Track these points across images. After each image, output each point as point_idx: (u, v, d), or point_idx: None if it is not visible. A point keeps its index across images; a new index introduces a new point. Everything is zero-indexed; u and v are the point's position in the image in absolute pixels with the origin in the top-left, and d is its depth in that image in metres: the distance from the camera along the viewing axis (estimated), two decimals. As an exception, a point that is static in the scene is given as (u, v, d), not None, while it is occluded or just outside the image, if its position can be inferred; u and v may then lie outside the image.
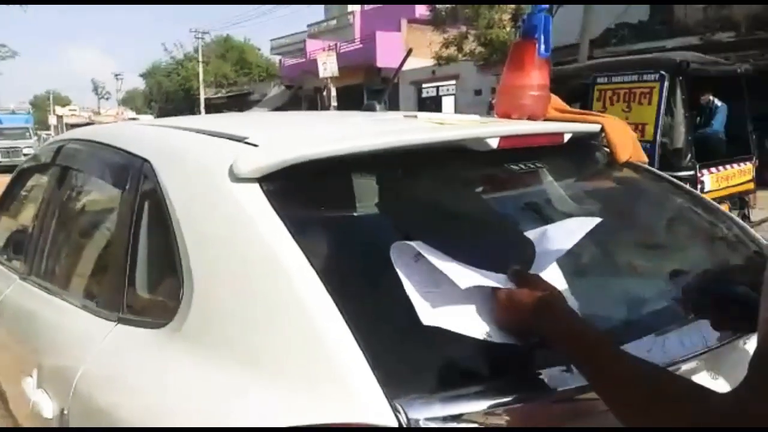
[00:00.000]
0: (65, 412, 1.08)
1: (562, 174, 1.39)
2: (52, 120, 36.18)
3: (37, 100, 58.96)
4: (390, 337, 0.82)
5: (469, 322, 0.82)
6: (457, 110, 19.29)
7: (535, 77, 1.42)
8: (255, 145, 1.00)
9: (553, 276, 0.93)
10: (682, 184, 1.51)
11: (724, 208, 3.32)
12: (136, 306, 1.11)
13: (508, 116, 1.44)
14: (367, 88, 19.55)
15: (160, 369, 0.95)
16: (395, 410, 0.70)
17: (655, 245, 1.36)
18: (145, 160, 1.17)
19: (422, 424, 0.70)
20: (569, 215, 1.29)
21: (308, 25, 28.92)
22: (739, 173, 5.00)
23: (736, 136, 5.29)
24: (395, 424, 0.69)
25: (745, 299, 0.88)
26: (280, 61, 29.11)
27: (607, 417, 0.71)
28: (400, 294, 0.81)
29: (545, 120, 1.43)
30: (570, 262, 0.94)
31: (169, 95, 40.69)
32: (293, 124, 1.49)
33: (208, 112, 30.59)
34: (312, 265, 0.82)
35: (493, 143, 1.12)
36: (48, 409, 1.12)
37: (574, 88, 4.74)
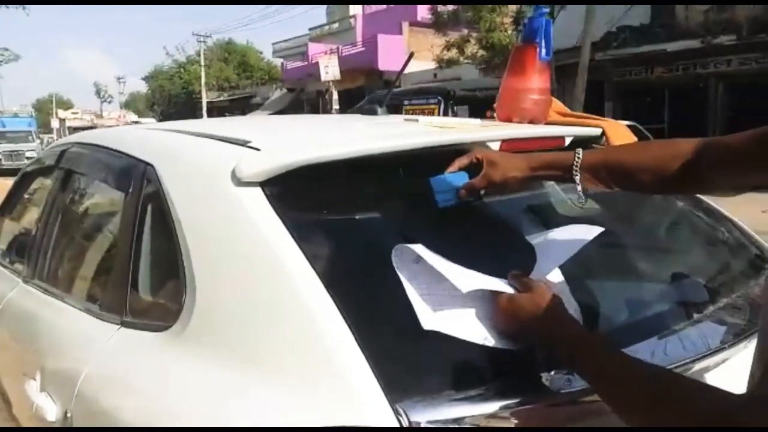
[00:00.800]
0: (68, 415, 1.08)
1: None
2: (55, 123, 36.29)
3: (40, 104, 59.15)
4: (392, 339, 0.83)
5: (470, 327, 0.82)
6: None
7: (536, 81, 1.42)
8: (257, 149, 1.00)
9: (555, 280, 0.94)
10: None
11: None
12: (139, 309, 1.11)
13: (509, 120, 1.45)
14: (368, 90, 19.56)
15: (163, 372, 0.95)
16: (397, 413, 0.70)
17: (656, 248, 1.36)
18: (148, 164, 1.17)
19: (424, 427, 0.70)
20: (571, 218, 1.29)
21: (310, 29, 29.02)
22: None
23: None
24: (397, 427, 0.69)
25: None
26: (282, 64, 29.20)
27: (609, 419, 0.72)
28: (401, 297, 0.82)
29: (546, 123, 1.44)
30: (571, 265, 0.94)
31: (172, 98, 40.82)
32: (295, 128, 1.50)
33: (210, 115, 30.66)
34: (314, 268, 0.82)
35: (495, 147, 1.12)
36: (51, 412, 1.13)
37: (396, 107, 6.48)
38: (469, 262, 0.88)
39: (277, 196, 0.92)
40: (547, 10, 1.44)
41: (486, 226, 1.13)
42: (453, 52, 15.74)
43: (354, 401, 0.72)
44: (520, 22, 12.88)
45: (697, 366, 0.90)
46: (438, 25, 15.73)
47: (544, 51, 1.41)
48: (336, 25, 27.42)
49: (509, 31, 14.13)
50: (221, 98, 34.32)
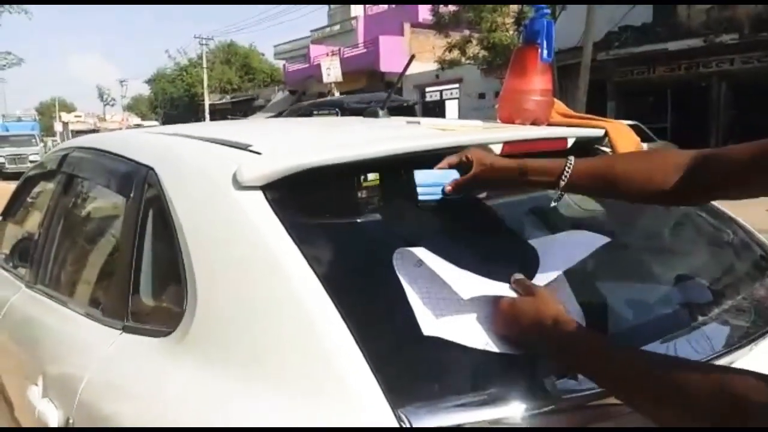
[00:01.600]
0: (70, 420, 1.08)
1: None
2: (58, 127, 36.45)
3: (43, 107, 59.36)
4: (393, 344, 0.82)
5: (471, 332, 0.81)
6: (460, 114, 19.30)
7: (538, 82, 1.42)
8: (258, 153, 1.00)
9: (558, 284, 0.93)
10: None
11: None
12: (140, 314, 1.11)
13: (511, 121, 1.44)
14: (368, 91, 19.56)
15: (165, 377, 0.95)
16: (399, 419, 0.69)
17: (660, 250, 1.35)
18: (150, 168, 1.17)
19: None
20: (574, 220, 1.28)
21: (312, 31, 29.07)
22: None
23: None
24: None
25: None
26: (284, 66, 29.25)
27: (613, 424, 0.71)
28: (403, 301, 0.81)
29: (549, 125, 1.43)
30: (574, 268, 0.94)
31: (174, 101, 40.93)
32: (297, 131, 1.49)
33: (212, 117, 30.74)
34: (315, 272, 0.82)
35: (497, 149, 1.12)
36: (53, 417, 1.12)
37: (308, 116, 7.34)
38: (470, 265, 0.87)
39: (278, 200, 0.91)
40: (548, 10, 1.44)
41: (488, 229, 1.12)
42: (455, 53, 15.74)
43: (356, 407, 0.71)
44: (522, 22, 12.87)
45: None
46: (439, 26, 15.73)
47: (545, 52, 1.41)
48: (337, 27, 27.46)
49: (511, 32, 14.13)
50: (223, 101, 34.39)
